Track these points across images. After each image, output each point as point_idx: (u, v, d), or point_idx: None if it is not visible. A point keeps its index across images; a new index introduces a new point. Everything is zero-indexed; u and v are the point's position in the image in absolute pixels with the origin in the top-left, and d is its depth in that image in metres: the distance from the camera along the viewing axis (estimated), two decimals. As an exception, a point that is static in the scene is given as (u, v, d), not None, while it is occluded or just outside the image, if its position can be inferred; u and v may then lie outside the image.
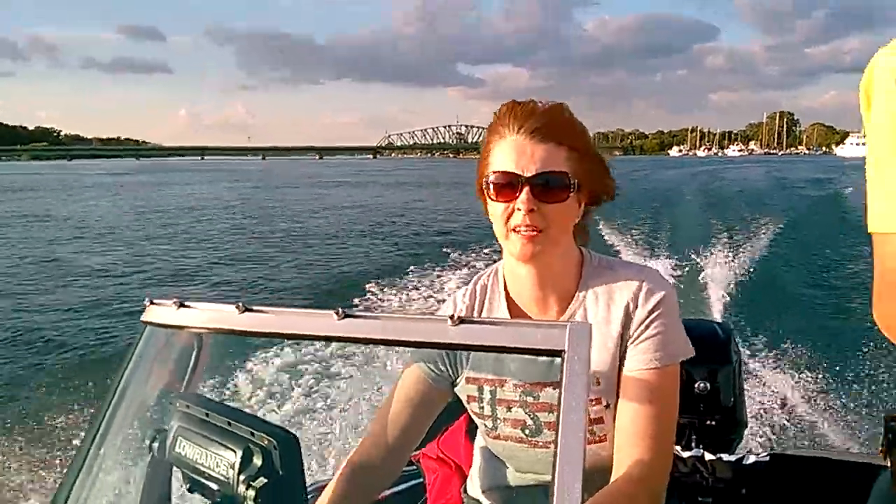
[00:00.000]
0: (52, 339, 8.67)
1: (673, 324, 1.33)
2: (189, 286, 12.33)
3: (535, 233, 1.28)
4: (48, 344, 8.51)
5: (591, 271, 1.40)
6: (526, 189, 1.27)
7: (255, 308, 1.04)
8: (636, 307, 1.33)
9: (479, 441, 1.58)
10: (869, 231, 0.92)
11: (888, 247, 0.88)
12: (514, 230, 1.29)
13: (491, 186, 1.31)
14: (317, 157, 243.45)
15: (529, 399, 1.38)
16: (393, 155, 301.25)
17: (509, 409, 1.40)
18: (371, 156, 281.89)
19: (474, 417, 1.48)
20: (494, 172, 1.30)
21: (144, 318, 1.15)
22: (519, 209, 1.27)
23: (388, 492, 1.67)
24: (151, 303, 1.15)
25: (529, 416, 1.39)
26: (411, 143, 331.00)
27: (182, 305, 1.10)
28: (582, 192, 1.34)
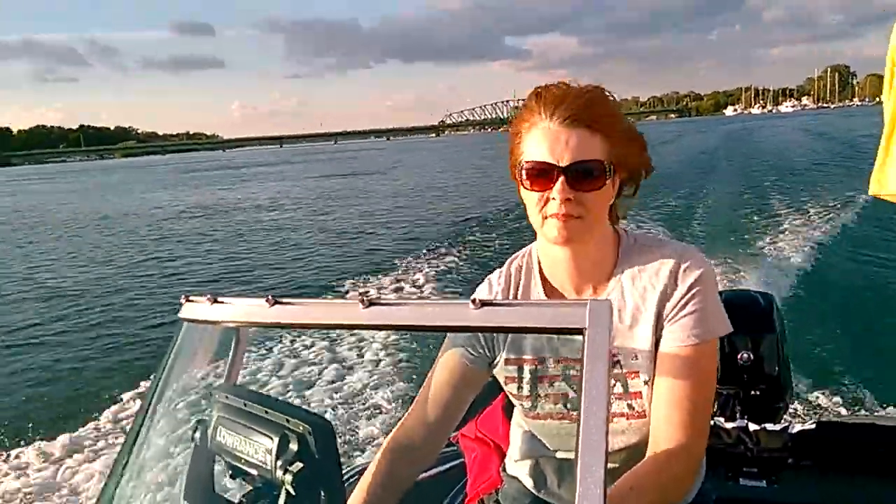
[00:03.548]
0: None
1: (710, 301, 1.26)
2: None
3: (571, 219, 1.21)
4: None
5: (627, 251, 1.33)
6: (561, 179, 1.18)
7: (283, 301, 1.02)
8: (674, 285, 1.26)
9: (517, 420, 1.52)
10: None
11: None
12: (549, 217, 1.22)
13: (525, 175, 1.23)
14: (385, 139, 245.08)
15: (572, 372, 1.33)
16: (447, 133, 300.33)
17: (552, 384, 1.35)
18: (434, 134, 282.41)
19: (512, 399, 1.42)
20: (528, 162, 1.22)
21: (181, 314, 1.14)
22: (554, 199, 1.20)
23: (428, 473, 1.64)
24: (187, 299, 1.14)
25: (572, 388, 1.33)
26: (471, 119, 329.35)
27: (216, 301, 1.08)
28: (617, 175, 1.26)
